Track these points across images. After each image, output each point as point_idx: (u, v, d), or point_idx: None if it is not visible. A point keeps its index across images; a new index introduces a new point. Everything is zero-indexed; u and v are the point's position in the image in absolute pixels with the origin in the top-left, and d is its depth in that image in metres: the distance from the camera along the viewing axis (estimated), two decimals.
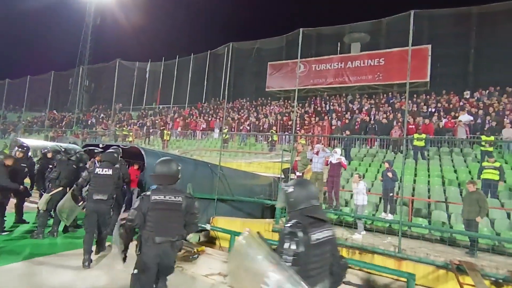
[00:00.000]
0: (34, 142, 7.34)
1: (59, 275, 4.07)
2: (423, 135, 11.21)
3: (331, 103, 20.14)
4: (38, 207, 5.63)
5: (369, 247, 6.20)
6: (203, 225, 7.21)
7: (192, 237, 7.84)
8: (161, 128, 20.95)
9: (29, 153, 7.09)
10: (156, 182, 3.06)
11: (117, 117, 27.98)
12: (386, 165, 8.05)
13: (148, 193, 2.93)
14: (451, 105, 15.38)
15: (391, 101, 17.83)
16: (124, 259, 2.95)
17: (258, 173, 11.83)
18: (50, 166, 5.96)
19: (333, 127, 15.18)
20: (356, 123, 14.61)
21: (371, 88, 20.64)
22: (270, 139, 16.13)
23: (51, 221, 5.86)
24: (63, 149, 6.36)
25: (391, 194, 7.66)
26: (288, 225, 2.08)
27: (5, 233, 5.70)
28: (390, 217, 7.49)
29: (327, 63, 21.63)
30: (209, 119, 21.84)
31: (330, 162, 8.34)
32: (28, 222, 6.41)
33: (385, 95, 19.34)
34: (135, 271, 2.87)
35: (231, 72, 24.28)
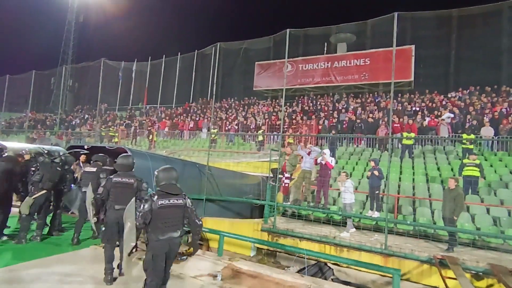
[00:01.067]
0: (13, 144, 7.09)
1: (43, 281, 3.96)
2: (412, 134, 11.47)
3: (319, 103, 20.34)
4: (20, 211, 5.47)
5: (357, 244, 6.30)
6: None
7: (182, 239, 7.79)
8: (148, 128, 20.69)
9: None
10: (118, 169, 4.49)
11: (103, 117, 27.42)
12: (372, 163, 8.20)
13: (111, 177, 4.39)
14: (434, 104, 15.78)
15: (377, 100, 18.15)
16: (96, 224, 4.48)
17: (247, 172, 11.84)
18: (33, 168, 5.79)
19: (320, 126, 15.34)
20: (344, 122, 14.82)
21: (357, 88, 20.96)
22: (258, 139, 16.16)
23: (34, 226, 5.70)
24: (46, 151, 6.19)
25: (377, 192, 7.80)
26: (149, 194, 3.33)
27: None
28: (376, 214, 7.63)
29: (314, 62, 21.83)
30: (197, 118, 21.70)
31: (320, 162, 8.45)
32: (9, 227, 6.21)
33: (371, 94, 19.68)
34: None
35: (219, 72, 24.19)
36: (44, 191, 5.52)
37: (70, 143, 16.53)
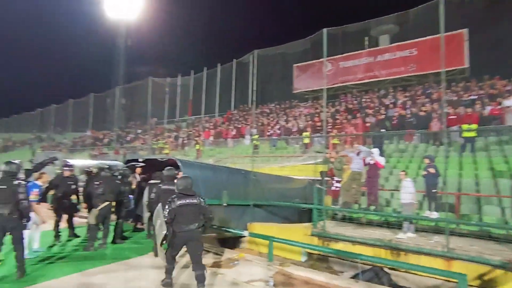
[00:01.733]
0: (79, 161, 7.88)
1: (110, 285, 4.32)
2: (474, 125, 10.48)
3: (363, 100, 19.55)
4: (88, 222, 6.04)
5: (415, 247, 5.88)
6: (240, 232, 7.28)
7: (232, 244, 7.97)
8: (195, 138, 21.61)
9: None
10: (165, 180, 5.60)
11: (153, 131, 29.27)
12: (427, 160, 7.62)
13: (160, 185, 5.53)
14: (495, 91, 14.25)
15: (427, 92, 16.93)
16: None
17: (292, 176, 11.74)
18: (96, 182, 6.37)
19: (368, 124, 14.70)
20: (393, 118, 14.04)
21: (405, 80, 19.77)
22: (302, 142, 15.97)
23: (100, 234, 6.25)
24: (107, 166, 6.77)
25: (434, 191, 7.23)
26: (171, 197, 4.23)
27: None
28: (435, 215, 7.06)
29: (355, 59, 21.11)
30: (239, 126, 22.15)
31: (368, 162, 8.08)
32: (79, 236, 6.89)
33: (420, 86, 18.42)
34: None
35: (258, 79, 24.50)
36: (107, 203, 6.04)
37: (126, 157, 17.87)
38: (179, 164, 7.65)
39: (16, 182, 4.46)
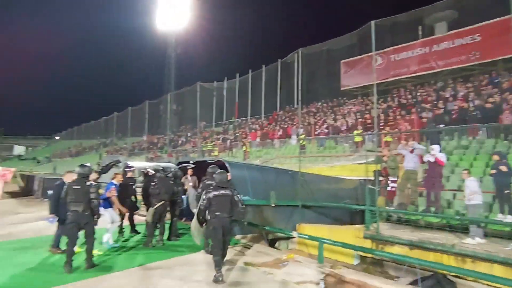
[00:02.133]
0: (137, 163, 8.52)
1: (167, 280, 4.57)
2: None
3: (418, 94, 18.17)
4: (146, 220, 6.49)
5: (484, 254, 5.28)
6: (289, 233, 7.22)
7: (281, 245, 7.95)
8: (242, 140, 22.03)
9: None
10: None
11: (202, 134, 30.52)
12: (496, 157, 6.82)
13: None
14: None
15: (495, 81, 15.14)
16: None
17: (342, 176, 11.35)
18: (152, 183, 6.82)
19: (424, 120, 13.60)
20: (452, 112, 12.82)
21: (466, 70, 17.93)
22: (352, 140, 15.36)
23: (157, 232, 6.66)
24: (161, 168, 7.21)
25: (507, 191, 6.42)
26: (208, 188, 5.03)
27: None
28: (510, 218, 6.27)
29: (408, 50, 19.74)
30: (285, 126, 22.04)
31: (428, 160, 7.46)
32: (139, 233, 7.43)
33: (486, 75, 16.55)
34: None
35: (303, 78, 24.15)
36: (162, 202, 6.42)
37: (178, 159, 18.87)
38: (227, 165, 7.87)
39: (88, 183, 5.04)
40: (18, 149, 65.34)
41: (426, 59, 18.85)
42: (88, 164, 5.52)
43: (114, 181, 6.66)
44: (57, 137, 65.90)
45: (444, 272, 5.39)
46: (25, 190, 19.33)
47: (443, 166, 7.47)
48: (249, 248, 6.38)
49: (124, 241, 6.87)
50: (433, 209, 7.21)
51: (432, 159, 7.32)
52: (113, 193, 6.39)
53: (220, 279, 4.43)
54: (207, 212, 4.86)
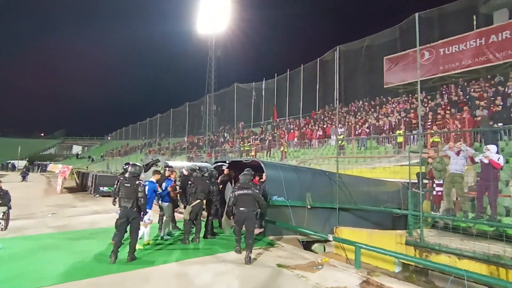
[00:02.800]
0: (176, 163, 8.90)
1: (201, 276, 4.68)
2: None
3: (472, 90, 16.63)
4: (183, 217, 6.71)
5: None
6: (324, 235, 7.01)
7: (317, 247, 7.75)
8: (280, 140, 21.93)
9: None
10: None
11: (240, 134, 30.95)
12: None
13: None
14: None
15: None
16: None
17: (384, 179, 10.78)
18: (189, 182, 7.03)
19: (478, 118, 12.41)
20: None
21: None
22: (397, 140, 14.52)
23: (194, 229, 6.86)
24: (197, 168, 7.42)
25: None
26: (233, 189, 6.07)
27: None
28: None
29: (460, 43, 18.16)
30: (325, 126, 21.50)
31: (482, 162, 6.78)
32: (180, 228, 7.73)
33: None
34: None
35: (342, 76, 23.39)
36: (198, 201, 6.61)
37: (217, 159, 19.31)
38: (262, 165, 7.86)
39: (137, 182, 5.41)
40: (76, 149, 71.92)
41: (482, 52, 17.18)
42: (139, 164, 5.92)
43: (171, 177, 7.48)
44: (108, 138, 71.38)
45: (499, 287, 4.85)
46: (80, 186, 21.15)
47: (499, 169, 6.72)
48: (283, 250, 6.31)
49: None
50: (487, 216, 6.54)
51: (486, 161, 6.63)
52: (173, 188, 7.30)
53: (238, 248, 5.92)
54: (233, 207, 5.85)
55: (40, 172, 44.45)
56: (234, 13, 41.29)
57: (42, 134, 78.09)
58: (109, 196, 15.16)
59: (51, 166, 42.26)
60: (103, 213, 10.33)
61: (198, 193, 6.60)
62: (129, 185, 5.31)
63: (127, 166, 7.63)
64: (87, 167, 35.40)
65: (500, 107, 12.42)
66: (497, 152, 7.01)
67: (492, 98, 14.07)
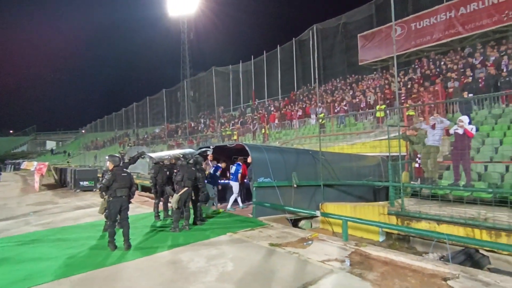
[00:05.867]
0: (159, 153, 8.81)
1: (195, 262, 4.73)
2: None
3: (443, 63, 17.18)
4: (171, 206, 6.68)
5: None
6: (313, 212, 7.22)
7: (305, 224, 7.99)
8: (261, 122, 21.95)
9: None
10: None
11: (221, 119, 30.67)
12: None
13: None
14: None
15: None
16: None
17: (364, 154, 11.13)
18: (175, 170, 6.95)
19: (451, 90, 12.92)
20: (480, 80, 12.07)
21: (498, 33, 16.68)
22: (373, 116, 14.91)
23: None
24: (181, 155, 7.34)
25: None
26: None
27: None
28: None
29: (431, 16, 18.53)
30: (304, 106, 21.68)
31: (456, 133, 7.13)
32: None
33: None
34: None
35: (319, 55, 23.45)
36: (186, 188, 6.57)
37: (199, 145, 19.13)
38: (247, 148, 7.88)
39: (129, 171, 5.66)
40: (50, 144, 68.89)
41: (452, 24, 17.66)
42: (117, 155, 5.86)
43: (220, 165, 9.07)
44: (83, 131, 68.71)
45: (476, 246, 5.23)
46: (59, 182, 20.43)
47: (472, 137, 7.09)
48: (273, 229, 6.45)
49: (152, 226, 7.14)
50: (462, 182, 6.94)
51: (460, 131, 6.97)
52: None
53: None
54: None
55: (13, 171, 42.45)
56: None
57: (12, 132, 74.11)
58: (90, 190, 14.83)
59: (26, 164, 40.36)
60: (87, 208, 10.09)
61: (185, 180, 6.56)
62: (126, 174, 5.50)
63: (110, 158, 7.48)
64: (68, 162, 34.07)
65: (470, 78, 12.96)
66: (470, 123, 7.39)
67: (462, 70, 14.63)
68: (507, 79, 11.07)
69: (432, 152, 7.65)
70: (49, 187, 18.33)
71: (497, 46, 15.52)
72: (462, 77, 13.66)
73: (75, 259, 5.02)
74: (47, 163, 21.49)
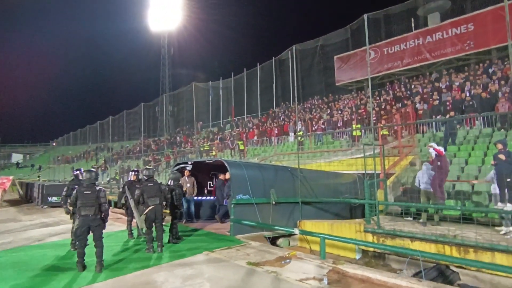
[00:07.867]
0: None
1: (170, 282, 4.54)
2: None
3: (413, 86, 18.20)
4: (140, 227, 6.44)
5: (486, 244, 5.29)
6: (290, 230, 7.20)
7: (282, 242, 7.93)
8: (240, 138, 21.99)
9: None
10: None
11: (199, 134, 30.44)
12: (499, 146, 6.81)
13: None
14: None
15: (490, 70, 15.20)
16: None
17: (340, 171, 11.35)
18: (137, 186, 6.72)
19: (420, 112, 13.64)
20: (447, 103, 12.86)
21: (461, 60, 17.99)
22: (349, 135, 15.36)
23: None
24: (140, 171, 7.14)
25: (509, 180, 6.43)
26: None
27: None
28: (510, 207, 6.28)
29: (401, 43, 19.75)
30: (282, 123, 22.01)
31: (432, 158, 7.53)
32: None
33: (480, 65, 16.61)
34: None
35: (298, 74, 24.13)
36: (151, 207, 6.10)
37: (176, 161, 18.78)
38: (226, 164, 7.83)
39: (97, 188, 5.16)
40: (16, 157, 64.89)
41: (420, 51, 18.88)
42: (93, 170, 5.56)
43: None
44: (54, 144, 65.50)
45: (447, 263, 5.40)
46: (25, 198, 19.21)
47: (442, 155, 7.47)
48: (251, 248, 6.35)
49: (125, 245, 6.81)
50: (431, 200, 7.23)
51: (433, 154, 7.35)
52: None
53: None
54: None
55: None
56: (188, 11, 40.43)
57: None
58: (59, 206, 14.02)
59: None
60: (54, 225, 9.50)
61: (146, 199, 6.14)
62: (89, 192, 5.08)
63: (77, 173, 7.08)
64: (39, 177, 32.14)
65: (437, 101, 13.78)
66: (438, 144, 7.81)
67: (431, 94, 15.55)
68: (470, 103, 11.86)
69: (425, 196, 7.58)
70: (12, 203, 17.18)
71: (461, 73, 16.70)
72: (430, 100, 14.50)
73: (36, 282, 4.65)
74: (11, 177, 20.19)
